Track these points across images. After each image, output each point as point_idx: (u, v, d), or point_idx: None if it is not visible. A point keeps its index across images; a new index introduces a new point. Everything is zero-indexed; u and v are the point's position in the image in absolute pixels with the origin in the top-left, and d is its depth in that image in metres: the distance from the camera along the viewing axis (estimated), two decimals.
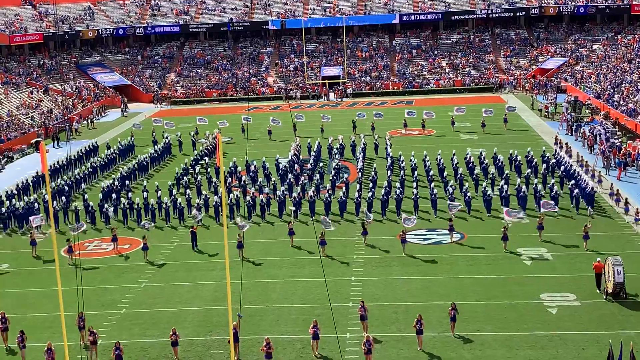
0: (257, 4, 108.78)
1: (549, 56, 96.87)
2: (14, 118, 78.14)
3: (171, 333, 28.99)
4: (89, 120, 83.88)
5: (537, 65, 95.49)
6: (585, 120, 68.67)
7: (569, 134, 65.26)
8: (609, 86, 77.38)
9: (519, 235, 40.60)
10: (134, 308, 34.16)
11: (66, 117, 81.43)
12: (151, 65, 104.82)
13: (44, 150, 22.98)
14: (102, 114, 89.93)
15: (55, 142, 73.74)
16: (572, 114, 69.97)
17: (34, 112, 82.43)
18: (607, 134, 58.83)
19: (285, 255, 39.91)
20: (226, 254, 23.32)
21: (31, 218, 44.75)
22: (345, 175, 53.05)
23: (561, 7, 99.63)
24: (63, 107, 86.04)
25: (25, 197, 50.32)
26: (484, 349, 28.69)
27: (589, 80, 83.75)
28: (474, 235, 41.37)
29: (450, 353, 28.50)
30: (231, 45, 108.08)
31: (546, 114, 74.33)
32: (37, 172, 55.53)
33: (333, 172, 52.24)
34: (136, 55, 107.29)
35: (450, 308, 29.74)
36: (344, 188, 48.25)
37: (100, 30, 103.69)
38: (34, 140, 72.81)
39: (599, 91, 77.77)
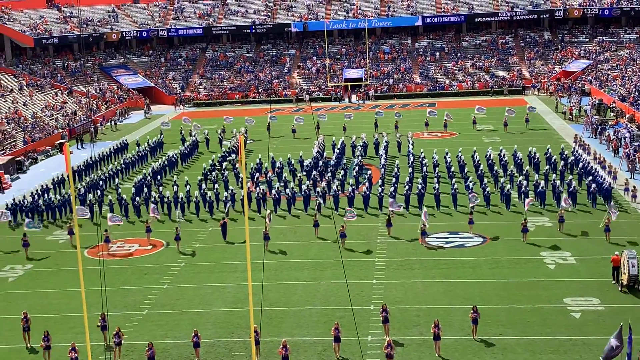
0: (280, 6, 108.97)
1: (573, 59, 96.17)
2: (38, 120, 78.81)
3: (193, 335, 29.04)
4: (113, 122, 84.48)
5: (561, 68, 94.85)
6: (610, 123, 68.10)
7: (594, 136, 64.76)
8: (634, 89, 76.67)
9: (542, 238, 40.38)
10: (156, 309, 34.28)
11: (90, 119, 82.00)
12: (174, 68, 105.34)
13: (67, 151, 23.10)
14: (125, 116, 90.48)
15: (79, 143, 74.28)
16: (596, 116, 69.45)
17: (58, 113, 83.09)
18: (632, 137, 58.37)
19: (306, 257, 39.91)
20: (248, 256, 23.32)
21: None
22: (369, 172, 54.44)
23: (586, 9, 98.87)
24: (87, 109, 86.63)
25: (62, 191, 52.46)
26: (506, 353, 28.48)
27: (614, 82, 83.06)
28: (496, 238, 41.15)
29: (472, 357, 28.31)
30: (254, 48, 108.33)
31: (570, 117, 73.78)
32: (72, 167, 57.06)
33: (356, 169, 53.65)
34: (159, 57, 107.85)
35: (472, 311, 29.57)
36: (367, 183, 49.68)
37: (124, 33, 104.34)
38: (58, 142, 73.39)
39: (624, 94, 77.09)
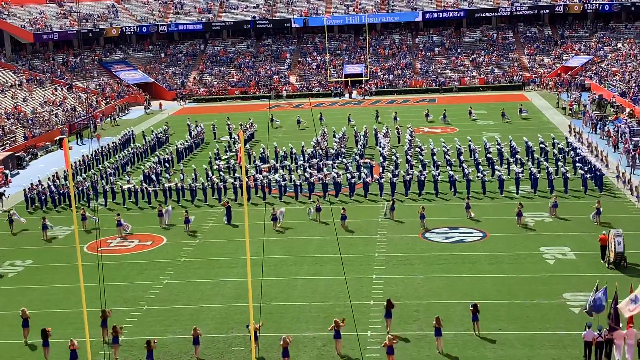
0: (280, 1, 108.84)
1: (573, 54, 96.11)
2: (38, 115, 78.76)
3: (192, 332, 28.88)
4: (112, 118, 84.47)
5: (562, 63, 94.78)
6: (609, 118, 68.05)
7: (593, 132, 64.77)
8: (633, 84, 76.62)
9: (541, 234, 40.45)
10: (156, 304, 34.30)
11: (90, 115, 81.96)
12: (174, 63, 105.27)
13: (67, 147, 23.08)
14: (125, 112, 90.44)
15: (79, 139, 74.32)
16: (596, 111, 69.53)
17: (58, 109, 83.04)
18: (632, 133, 58.41)
19: (306, 252, 39.92)
20: (247, 252, 23.29)
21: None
22: (369, 162, 56.66)
23: (586, 5, 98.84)
24: (87, 105, 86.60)
25: (78, 177, 55.85)
26: (505, 348, 28.49)
27: (614, 78, 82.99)
28: (496, 233, 41.18)
29: (471, 352, 28.31)
30: (254, 43, 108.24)
31: (570, 112, 73.75)
32: (82, 156, 61.05)
33: (357, 158, 56.06)
34: (159, 53, 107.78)
35: (472, 307, 29.56)
36: (367, 172, 51.64)
37: (124, 28, 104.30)
38: (58, 138, 73.38)
39: (624, 89, 77.04)
